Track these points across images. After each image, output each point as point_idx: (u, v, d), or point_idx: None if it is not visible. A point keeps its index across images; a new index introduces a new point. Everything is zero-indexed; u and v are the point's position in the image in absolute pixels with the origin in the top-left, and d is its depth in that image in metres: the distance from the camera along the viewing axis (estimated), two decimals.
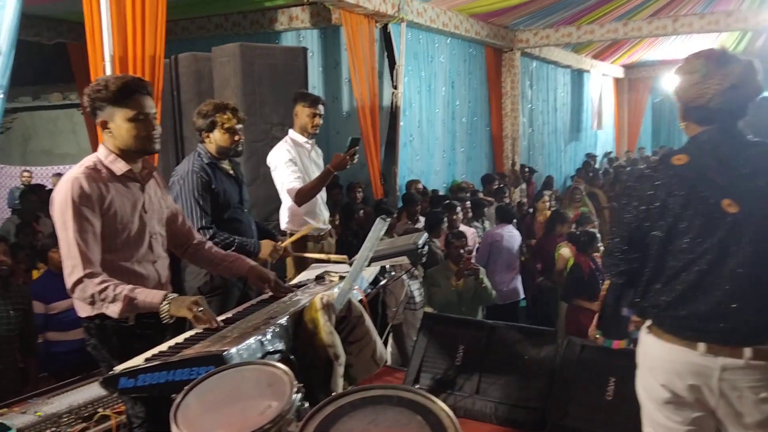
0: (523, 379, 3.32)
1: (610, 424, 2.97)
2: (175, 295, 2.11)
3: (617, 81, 14.43)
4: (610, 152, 14.05)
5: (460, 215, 5.65)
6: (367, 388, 1.34)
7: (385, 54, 6.54)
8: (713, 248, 1.84)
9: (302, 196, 3.73)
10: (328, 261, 3.33)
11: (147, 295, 2.07)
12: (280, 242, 3.35)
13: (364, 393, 1.33)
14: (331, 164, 3.77)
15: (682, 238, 1.88)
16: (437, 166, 7.98)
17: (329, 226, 4.16)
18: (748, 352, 1.80)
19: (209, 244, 2.63)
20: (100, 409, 2.70)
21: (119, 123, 2.14)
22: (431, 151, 7.83)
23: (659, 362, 1.97)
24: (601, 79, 13.05)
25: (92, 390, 2.87)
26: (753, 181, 1.84)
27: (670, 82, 13.97)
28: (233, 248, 2.97)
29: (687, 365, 1.88)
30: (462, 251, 4.75)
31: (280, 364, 1.49)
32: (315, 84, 6.76)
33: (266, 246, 3.21)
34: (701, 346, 1.85)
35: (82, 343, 3.77)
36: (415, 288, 4.58)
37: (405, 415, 1.24)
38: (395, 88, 6.48)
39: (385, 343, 4.55)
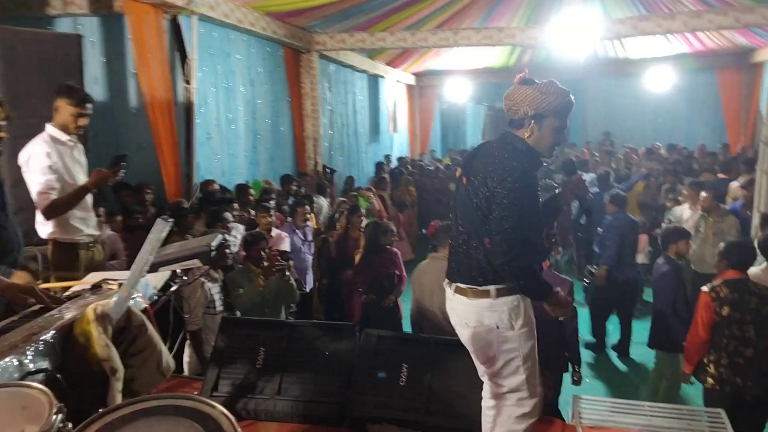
0: (324, 374, 3.36)
1: (404, 407, 3.14)
2: None
3: (409, 87, 15.38)
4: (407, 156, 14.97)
5: (273, 218, 5.56)
6: (139, 400, 1.23)
7: (176, 47, 6.19)
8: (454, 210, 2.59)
9: (53, 211, 3.41)
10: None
11: None
12: (39, 282, 2.66)
13: (137, 405, 1.22)
14: (90, 180, 3.48)
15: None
16: (240, 167, 7.78)
17: (99, 232, 3.88)
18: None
19: None
20: None
21: None
22: (233, 150, 7.61)
23: None
24: (395, 85, 13.81)
25: None
26: (478, 166, 2.46)
27: (454, 90, 15.31)
28: None
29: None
30: (263, 253, 4.66)
31: (35, 384, 1.31)
32: (97, 75, 6.17)
33: (18, 280, 2.48)
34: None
35: None
36: (216, 291, 4.39)
37: (182, 425, 1.16)
38: (188, 83, 6.16)
39: (182, 352, 4.31)
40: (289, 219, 6.11)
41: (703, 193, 6.21)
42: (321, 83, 9.83)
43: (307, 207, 6.10)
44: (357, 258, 5.56)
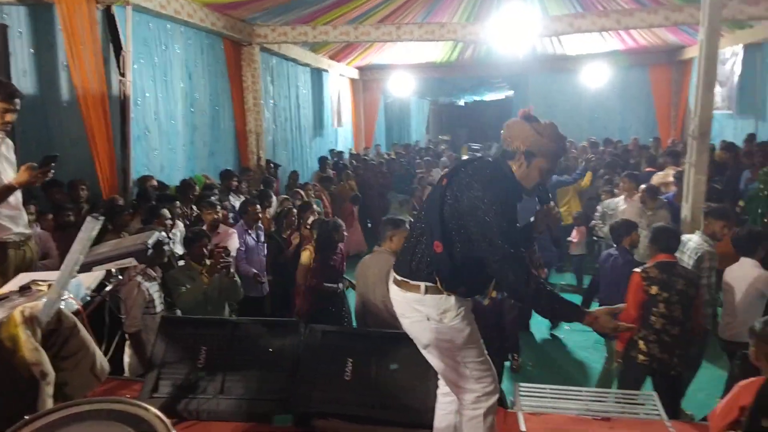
0: (268, 371, 3.33)
1: (350, 402, 3.15)
2: None
3: (353, 81, 15.34)
4: (350, 149, 14.95)
5: (219, 215, 5.41)
6: (70, 405, 1.19)
7: (110, 39, 5.96)
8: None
9: None
10: None
11: None
12: None
13: (67, 410, 1.17)
14: (17, 179, 3.35)
15: None
16: (179, 162, 7.57)
17: (31, 231, 3.73)
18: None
19: None
20: None
21: None
22: (172, 145, 7.39)
23: None
24: (339, 79, 13.73)
25: None
26: (465, 174, 2.48)
27: (398, 85, 15.38)
28: None
29: None
30: (205, 250, 4.56)
31: None
32: (26, 67, 5.88)
33: None
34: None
35: None
36: (154, 291, 4.26)
37: (114, 429, 1.12)
38: (122, 75, 5.95)
39: (122, 353, 4.17)
40: (231, 215, 5.98)
41: (642, 186, 6.54)
42: (263, 76, 9.67)
43: (258, 206, 5.93)
44: (304, 256, 5.44)
